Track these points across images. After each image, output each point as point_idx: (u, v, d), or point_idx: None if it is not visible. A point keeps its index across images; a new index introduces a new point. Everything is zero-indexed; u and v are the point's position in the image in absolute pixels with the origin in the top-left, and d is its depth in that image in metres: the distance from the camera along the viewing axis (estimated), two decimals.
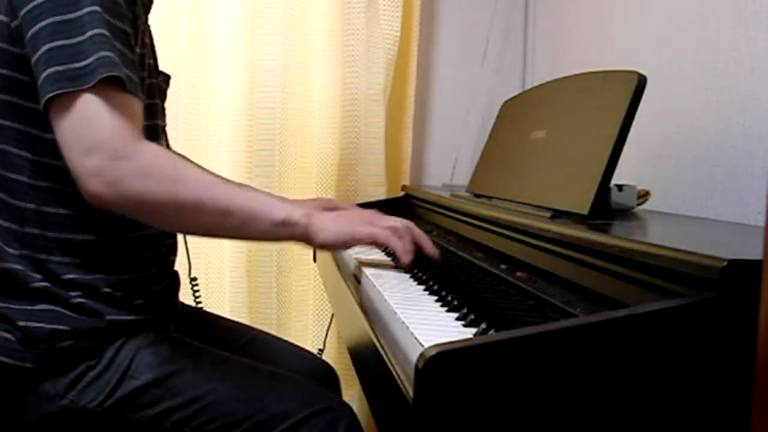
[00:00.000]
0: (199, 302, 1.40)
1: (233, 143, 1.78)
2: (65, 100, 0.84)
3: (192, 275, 1.37)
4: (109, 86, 0.85)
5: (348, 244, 0.99)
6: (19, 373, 0.90)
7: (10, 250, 0.92)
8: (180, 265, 1.15)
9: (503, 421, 0.55)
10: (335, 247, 1.00)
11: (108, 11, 0.87)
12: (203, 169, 0.94)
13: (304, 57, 1.83)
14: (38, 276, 0.91)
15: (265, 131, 1.79)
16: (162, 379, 0.93)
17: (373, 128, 1.87)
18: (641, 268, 0.70)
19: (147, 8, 1.08)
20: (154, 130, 1.06)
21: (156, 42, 1.13)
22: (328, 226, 0.97)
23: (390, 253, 1.23)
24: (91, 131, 0.83)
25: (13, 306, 0.91)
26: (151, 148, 0.88)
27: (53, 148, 0.90)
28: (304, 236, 0.96)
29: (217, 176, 0.94)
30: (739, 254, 0.58)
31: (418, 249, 1.01)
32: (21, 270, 0.91)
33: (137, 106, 0.88)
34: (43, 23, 0.84)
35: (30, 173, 0.91)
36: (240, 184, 0.99)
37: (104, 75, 0.83)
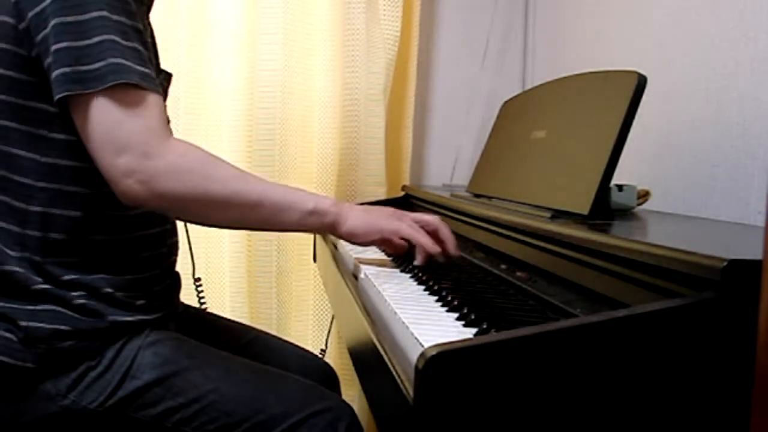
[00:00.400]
0: (204, 303, 1.40)
1: (233, 143, 1.78)
2: (83, 103, 0.85)
3: (196, 276, 1.37)
4: (125, 89, 0.86)
5: (374, 236, 1.02)
6: (20, 373, 0.90)
7: (11, 253, 0.92)
8: (183, 266, 1.16)
9: (503, 421, 0.55)
10: (361, 237, 1.02)
11: (116, 12, 0.87)
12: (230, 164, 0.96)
13: (304, 57, 1.83)
14: (39, 279, 0.92)
15: (265, 131, 1.79)
16: (163, 379, 0.93)
17: (373, 128, 1.87)
18: (641, 268, 0.70)
19: (148, 8, 1.08)
20: None
21: (157, 42, 1.13)
22: (357, 216, 1.01)
23: (391, 253, 1.22)
24: (119, 134, 0.85)
25: (14, 306, 0.91)
26: (180, 145, 0.90)
27: (60, 148, 0.91)
28: (333, 225, 0.99)
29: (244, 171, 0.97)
30: (739, 254, 0.58)
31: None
32: (22, 272, 0.91)
33: (159, 101, 0.90)
34: (50, 25, 0.85)
35: (37, 175, 0.92)
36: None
37: (115, 82, 0.85)
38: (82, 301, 0.92)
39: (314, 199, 0.98)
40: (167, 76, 1.17)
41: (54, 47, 0.85)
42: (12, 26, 0.89)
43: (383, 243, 1.05)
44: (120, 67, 0.85)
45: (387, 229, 1.02)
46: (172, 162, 0.87)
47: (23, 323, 0.90)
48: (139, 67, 0.87)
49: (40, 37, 0.86)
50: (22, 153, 0.91)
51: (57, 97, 0.85)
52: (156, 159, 0.86)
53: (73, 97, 0.85)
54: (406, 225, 1.02)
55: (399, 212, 1.06)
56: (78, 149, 0.90)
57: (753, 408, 0.51)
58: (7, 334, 0.90)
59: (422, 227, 1.04)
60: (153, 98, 0.88)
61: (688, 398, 0.58)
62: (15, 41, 0.89)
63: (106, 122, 0.85)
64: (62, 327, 0.91)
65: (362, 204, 1.49)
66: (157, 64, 1.12)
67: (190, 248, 1.31)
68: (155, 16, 1.13)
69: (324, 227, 0.99)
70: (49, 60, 0.86)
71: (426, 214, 1.07)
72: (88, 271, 0.94)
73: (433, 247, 1.01)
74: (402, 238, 1.03)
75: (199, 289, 1.40)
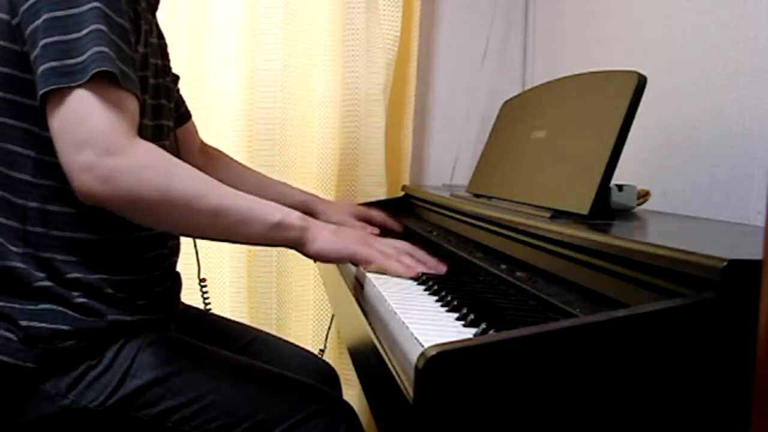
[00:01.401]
0: (209, 304, 1.40)
1: (233, 143, 1.78)
2: (59, 96, 0.83)
3: (201, 276, 1.37)
4: (103, 82, 0.84)
5: (344, 261, 1.00)
6: (20, 373, 0.90)
7: (14, 249, 0.92)
8: (187, 266, 1.15)
9: (503, 421, 0.55)
10: (330, 260, 0.99)
11: (108, 6, 0.86)
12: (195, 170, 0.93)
13: (304, 57, 1.83)
14: (42, 274, 0.91)
15: (265, 131, 1.79)
16: (163, 379, 0.93)
17: (373, 128, 1.87)
18: (641, 268, 0.70)
19: (153, 8, 1.08)
20: (160, 130, 1.06)
21: (166, 43, 1.13)
22: (326, 237, 0.97)
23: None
24: (83, 127, 0.83)
25: (15, 305, 0.91)
26: (144, 145, 0.87)
27: (53, 145, 0.90)
28: (299, 241, 0.95)
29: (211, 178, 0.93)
30: (739, 254, 0.58)
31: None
32: (24, 268, 0.91)
33: (132, 102, 0.88)
34: (41, 19, 0.84)
35: (33, 171, 0.91)
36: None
37: (97, 70, 0.83)
38: (82, 300, 0.92)
39: (281, 212, 0.94)
40: (175, 78, 1.17)
41: (43, 41, 0.84)
42: (6, 23, 0.89)
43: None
44: (104, 56, 0.84)
45: (359, 256, 0.98)
46: (134, 160, 0.84)
47: (24, 323, 0.90)
48: (119, 64, 0.85)
49: (29, 30, 0.85)
50: (18, 149, 0.91)
51: (43, 90, 0.83)
52: (117, 156, 0.83)
53: (56, 90, 0.83)
54: (377, 253, 0.98)
55: (370, 237, 1.03)
56: None
57: (753, 408, 0.51)
58: (8, 334, 0.90)
59: (388, 258, 0.99)
60: (126, 98, 0.86)
61: (688, 398, 0.58)
62: (9, 38, 0.89)
63: (75, 115, 0.83)
64: (63, 327, 0.91)
65: (363, 204, 1.49)
66: (165, 65, 1.12)
67: (196, 249, 1.31)
68: None
69: (289, 242, 0.95)
70: (35, 53, 0.84)
71: (396, 240, 1.04)
72: (90, 270, 0.94)
73: (409, 273, 0.98)
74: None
75: (204, 290, 1.40)
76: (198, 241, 1.33)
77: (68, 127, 0.83)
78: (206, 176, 0.91)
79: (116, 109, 0.85)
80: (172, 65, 1.22)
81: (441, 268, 1.01)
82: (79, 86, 0.83)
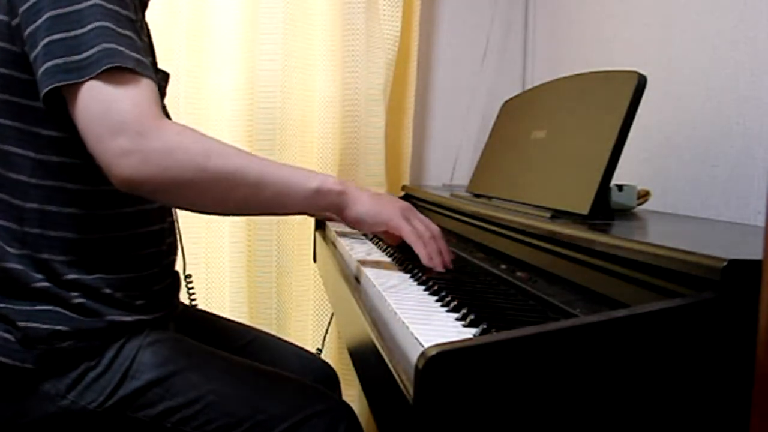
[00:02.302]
0: (194, 299, 1.40)
1: (233, 143, 1.77)
2: (73, 91, 0.83)
3: (187, 272, 1.36)
4: (118, 73, 0.83)
5: (380, 228, 1.00)
6: (19, 374, 0.90)
7: (11, 250, 0.91)
8: (188, 266, 1.15)
9: (503, 421, 0.55)
10: (367, 226, 0.99)
11: (111, 1, 0.86)
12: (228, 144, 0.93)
13: (304, 57, 1.83)
14: (39, 276, 0.91)
15: (265, 131, 1.79)
16: (163, 379, 0.93)
17: (373, 128, 1.87)
18: (641, 268, 0.70)
19: (143, 5, 1.08)
20: None
21: (156, 42, 1.12)
22: (365, 201, 0.97)
23: (391, 253, 1.23)
24: (112, 114, 0.82)
25: (13, 306, 0.91)
26: (174, 125, 0.86)
27: (54, 145, 0.90)
28: (339, 204, 0.96)
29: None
30: (739, 254, 0.58)
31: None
32: (22, 270, 0.91)
33: (152, 86, 0.87)
34: (42, 18, 0.84)
35: (31, 172, 0.91)
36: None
37: (109, 66, 0.82)
38: (80, 300, 0.92)
39: (318, 177, 0.94)
40: (165, 76, 1.16)
41: (46, 40, 0.83)
42: (6, 23, 0.88)
43: (383, 233, 1.03)
44: (114, 52, 0.83)
45: (392, 225, 0.99)
46: (169, 140, 0.84)
47: (22, 324, 0.90)
48: (133, 54, 0.85)
49: (29, 30, 0.85)
50: (17, 150, 0.91)
51: (49, 87, 0.82)
52: (152, 138, 0.82)
53: (65, 87, 0.83)
54: (409, 229, 0.99)
55: (408, 209, 1.03)
56: (70, 146, 0.89)
57: (753, 408, 0.51)
58: (6, 335, 0.90)
59: (419, 238, 1.00)
60: (147, 82, 0.85)
61: (688, 398, 0.58)
62: (8, 39, 0.89)
63: (99, 104, 0.82)
64: (61, 327, 0.90)
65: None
66: (154, 62, 1.12)
67: (182, 244, 1.30)
68: (155, 17, 1.13)
69: (330, 207, 0.95)
70: (36, 52, 0.84)
71: (425, 225, 1.03)
72: (88, 270, 0.93)
73: (429, 262, 0.99)
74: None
75: (190, 285, 1.40)
76: (194, 240, 1.33)
77: (95, 116, 0.82)
78: (241, 149, 0.91)
79: (138, 92, 0.84)
80: (170, 65, 1.21)
81: (449, 266, 1.02)
82: (95, 78, 0.82)
